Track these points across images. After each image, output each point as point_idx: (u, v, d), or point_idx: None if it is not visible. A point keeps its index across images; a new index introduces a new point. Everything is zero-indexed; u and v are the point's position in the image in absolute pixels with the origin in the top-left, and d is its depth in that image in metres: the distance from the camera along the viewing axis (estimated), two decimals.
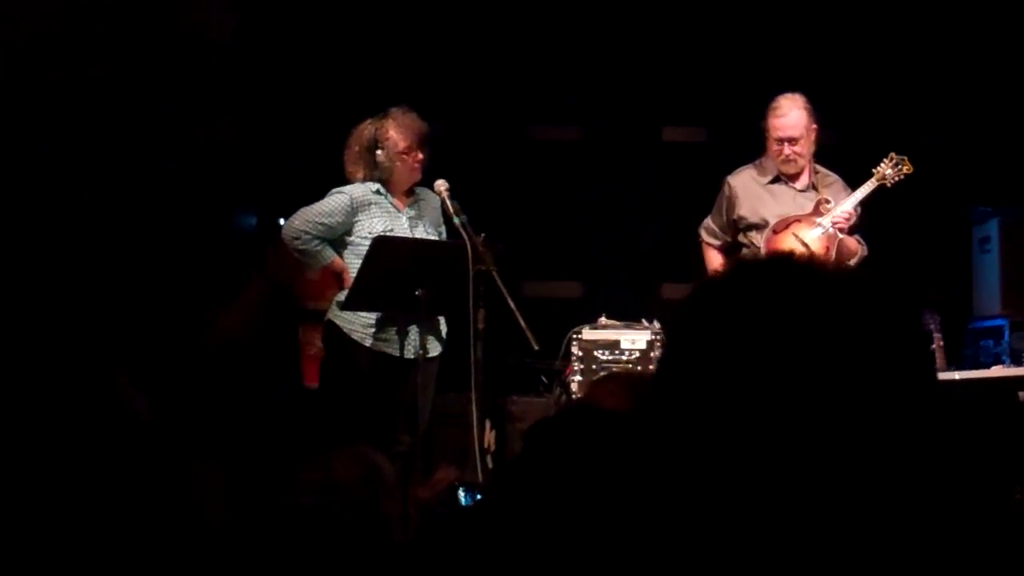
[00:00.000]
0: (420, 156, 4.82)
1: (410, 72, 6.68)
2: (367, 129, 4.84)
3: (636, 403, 2.05)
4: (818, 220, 4.85)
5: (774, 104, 4.96)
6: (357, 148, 4.84)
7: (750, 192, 4.98)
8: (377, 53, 6.78)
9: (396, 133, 4.80)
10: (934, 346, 5.44)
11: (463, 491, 3.54)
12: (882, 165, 4.90)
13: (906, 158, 4.90)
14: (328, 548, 2.23)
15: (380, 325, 4.74)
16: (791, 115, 4.91)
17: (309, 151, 6.47)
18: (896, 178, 4.89)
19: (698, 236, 5.23)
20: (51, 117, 5.16)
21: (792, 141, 4.90)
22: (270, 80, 6.48)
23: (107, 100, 5.33)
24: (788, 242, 4.83)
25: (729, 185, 5.05)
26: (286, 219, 4.92)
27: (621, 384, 2.26)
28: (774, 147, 4.94)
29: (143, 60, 5.45)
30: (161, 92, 5.51)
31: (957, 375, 5.01)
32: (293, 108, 6.59)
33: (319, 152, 6.37)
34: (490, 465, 5.46)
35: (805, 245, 4.81)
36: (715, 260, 5.16)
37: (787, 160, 4.93)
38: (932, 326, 5.47)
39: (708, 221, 5.19)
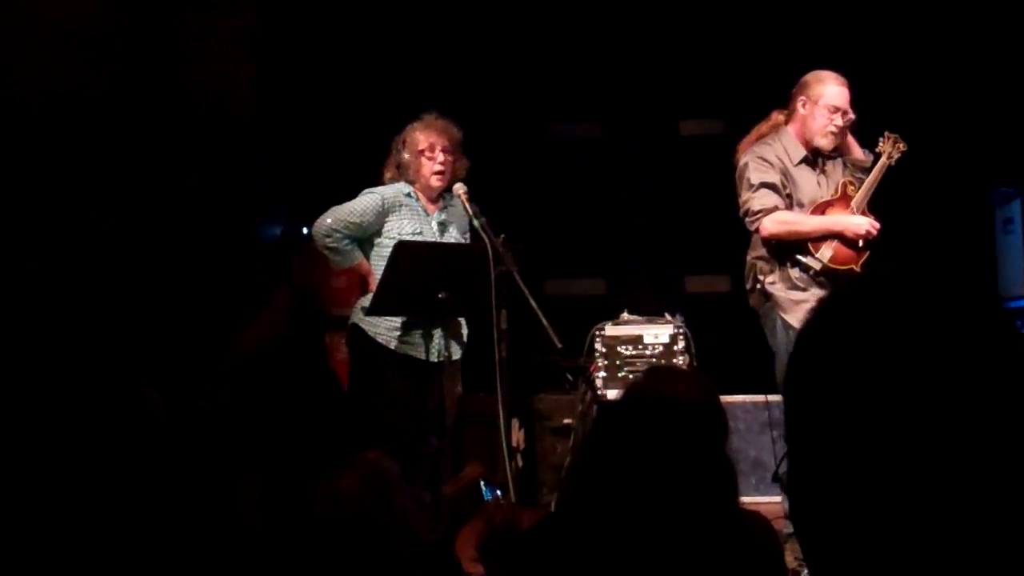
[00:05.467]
0: (443, 158, 4.82)
1: (430, 76, 6.73)
2: (403, 132, 4.91)
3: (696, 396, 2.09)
4: (853, 203, 4.81)
5: (830, 74, 4.80)
6: (394, 149, 4.91)
7: (786, 174, 4.87)
8: (396, 58, 6.83)
9: (420, 133, 4.85)
10: None
11: (486, 487, 3.59)
12: (881, 144, 4.83)
13: (898, 135, 4.82)
14: (348, 550, 2.29)
15: (404, 328, 4.77)
16: (847, 87, 4.79)
17: (332, 160, 6.54)
18: (896, 155, 4.81)
19: (750, 218, 4.80)
20: (78, 135, 5.24)
21: (846, 113, 4.78)
22: (292, 88, 6.54)
23: (132, 118, 5.41)
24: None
25: (771, 164, 4.79)
26: (310, 228, 4.97)
27: (692, 379, 2.31)
28: (826, 117, 4.75)
29: (164, 73, 5.52)
30: (182, 107, 5.58)
31: None
32: (314, 117, 6.66)
33: (342, 161, 6.44)
34: (520, 463, 5.50)
35: (876, 226, 4.78)
36: (807, 217, 4.78)
37: (837, 132, 4.78)
38: None
39: (766, 200, 4.75)
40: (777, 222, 4.75)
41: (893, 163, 4.84)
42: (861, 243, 4.77)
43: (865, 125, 4.98)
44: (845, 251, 4.77)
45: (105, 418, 1.54)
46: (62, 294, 5.06)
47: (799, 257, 4.77)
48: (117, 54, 5.40)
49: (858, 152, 4.89)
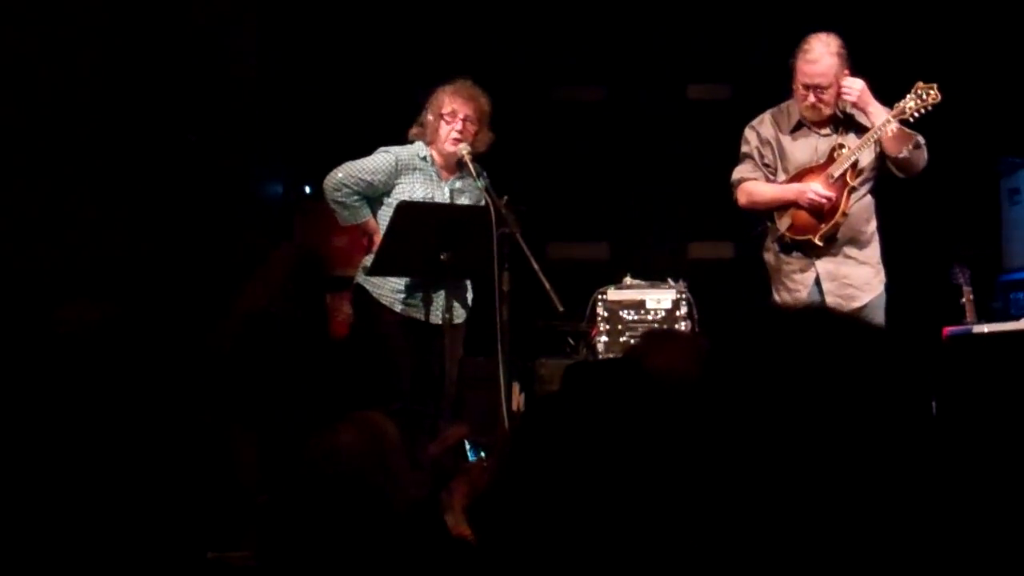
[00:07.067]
0: (461, 126, 4.77)
1: (434, 36, 6.67)
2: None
3: (699, 370, 2.03)
4: (829, 170, 4.72)
5: (805, 46, 4.68)
6: (423, 108, 4.87)
7: (772, 144, 4.84)
8: (402, 17, 6.76)
9: (446, 96, 4.81)
10: (964, 300, 5.40)
11: (471, 447, 3.60)
12: (904, 99, 4.62)
13: (935, 85, 4.60)
14: (338, 507, 2.31)
15: (408, 290, 4.76)
16: (822, 62, 4.65)
17: (335, 117, 6.49)
18: (920, 110, 4.60)
19: (731, 190, 4.90)
20: (75, 94, 5.20)
21: (819, 89, 4.66)
22: (296, 46, 6.49)
23: (129, 75, 5.37)
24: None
25: (757, 134, 4.85)
26: (312, 186, 4.94)
27: (685, 347, 2.26)
28: (800, 91, 4.71)
29: (164, 31, 5.48)
30: (184, 63, 5.54)
31: (987, 328, 4.97)
32: (318, 75, 6.60)
33: (346, 119, 6.39)
34: None
35: (820, 195, 4.69)
36: (766, 187, 4.83)
37: (812, 107, 4.71)
38: (962, 279, 5.43)
39: (736, 173, 4.89)
40: (743, 193, 4.85)
41: (912, 119, 4.63)
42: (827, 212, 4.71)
43: (874, 90, 4.91)
44: (804, 220, 4.73)
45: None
46: (59, 251, 5.04)
47: (769, 225, 4.84)
48: (115, 12, 5.35)
49: (877, 117, 4.66)
